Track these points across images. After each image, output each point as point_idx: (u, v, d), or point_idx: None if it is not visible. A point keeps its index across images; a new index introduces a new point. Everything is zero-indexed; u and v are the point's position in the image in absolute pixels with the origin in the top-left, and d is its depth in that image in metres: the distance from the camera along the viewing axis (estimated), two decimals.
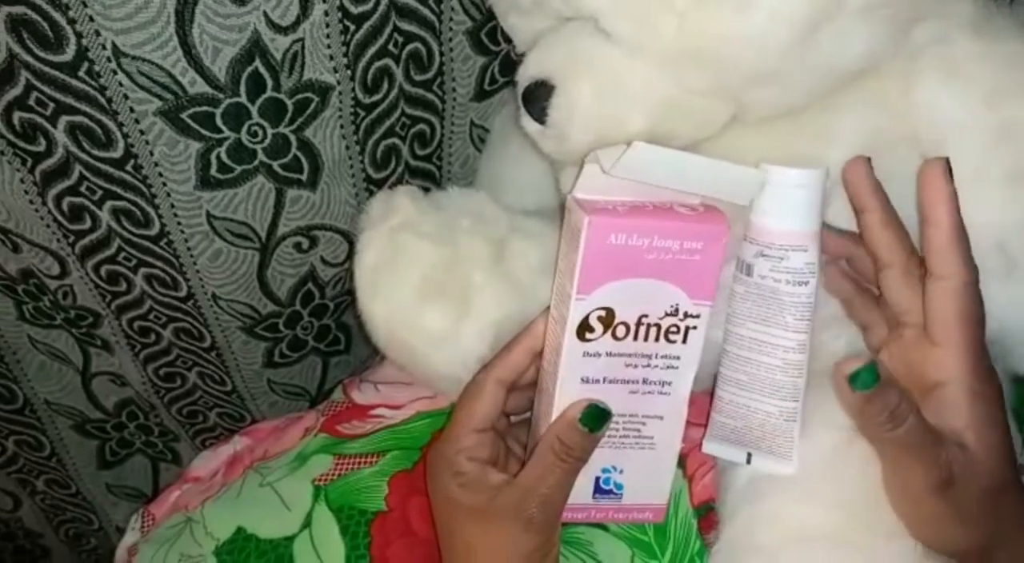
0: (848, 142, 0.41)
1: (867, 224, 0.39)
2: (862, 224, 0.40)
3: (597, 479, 0.43)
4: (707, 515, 0.46)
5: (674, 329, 0.40)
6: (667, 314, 0.39)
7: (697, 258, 0.38)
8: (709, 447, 0.44)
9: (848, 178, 0.40)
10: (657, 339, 0.40)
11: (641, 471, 0.43)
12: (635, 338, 0.40)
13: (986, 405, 0.37)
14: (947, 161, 0.38)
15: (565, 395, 0.41)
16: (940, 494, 0.37)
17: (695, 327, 0.40)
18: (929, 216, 0.38)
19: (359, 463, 0.52)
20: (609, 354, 0.40)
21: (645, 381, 0.41)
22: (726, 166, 0.38)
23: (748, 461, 0.42)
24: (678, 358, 0.40)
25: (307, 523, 0.50)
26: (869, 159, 0.39)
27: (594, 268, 0.38)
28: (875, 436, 0.38)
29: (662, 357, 0.40)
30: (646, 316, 0.39)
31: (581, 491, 0.42)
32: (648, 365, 0.40)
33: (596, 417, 0.40)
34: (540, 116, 0.42)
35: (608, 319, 0.39)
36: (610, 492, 0.44)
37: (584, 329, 0.39)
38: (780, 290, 0.39)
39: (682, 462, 0.48)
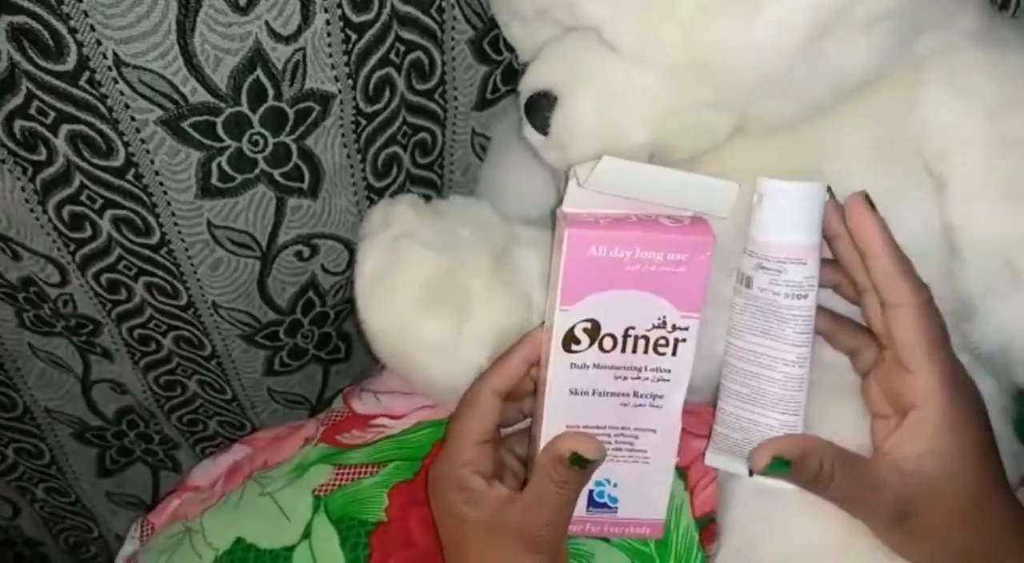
0: (851, 154, 0.41)
1: (840, 249, 0.39)
2: (835, 249, 0.40)
3: (591, 492, 0.43)
4: (709, 527, 0.46)
5: (663, 342, 0.39)
6: (655, 326, 0.39)
7: (682, 270, 0.38)
8: (712, 459, 0.44)
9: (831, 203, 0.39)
10: (646, 351, 0.40)
11: (636, 485, 0.43)
12: (623, 350, 0.40)
13: (955, 428, 0.37)
14: (865, 193, 0.38)
15: (554, 407, 0.41)
16: (898, 527, 0.38)
17: (684, 340, 0.39)
18: (866, 250, 0.38)
19: (359, 473, 0.52)
20: (597, 366, 0.40)
21: (636, 394, 0.41)
22: (699, 178, 0.39)
23: (750, 474, 0.42)
24: (669, 371, 0.40)
25: (307, 533, 0.50)
26: (827, 185, 0.39)
27: (576, 280, 0.38)
28: (817, 495, 0.39)
29: (652, 370, 0.40)
30: (633, 328, 0.39)
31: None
32: (638, 378, 0.40)
33: (584, 459, 0.39)
34: (543, 126, 0.42)
35: (594, 331, 0.39)
36: (604, 505, 0.43)
37: (570, 340, 0.39)
38: (779, 303, 0.39)
39: (684, 474, 0.47)
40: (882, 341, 0.39)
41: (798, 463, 0.37)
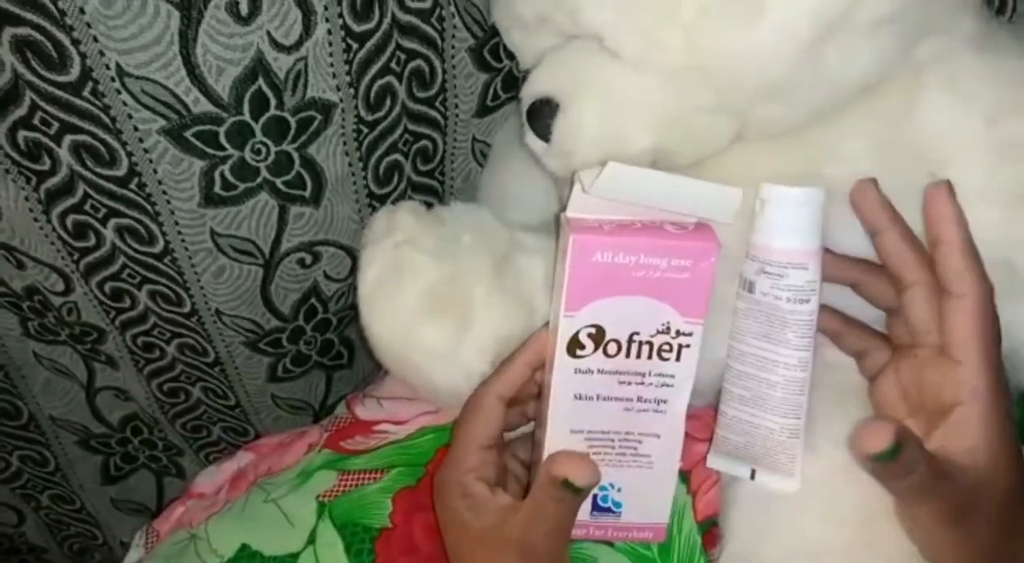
0: (852, 159, 0.41)
1: (886, 243, 0.39)
2: (880, 244, 0.39)
3: (595, 497, 0.43)
4: (711, 530, 0.46)
5: (667, 347, 0.40)
6: (659, 332, 0.39)
7: (686, 276, 0.38)
8: (714, 462, 0.44)
9: (856, 200, 0.39)
10: (650, 357, 0.40)
11: (640, 489, 0.43)
12: (627, 355, 0.40)
13: (999, 423, 0.37)
14: (949, 182, 0.37)
15: (559, 412, 0.41)
16: (952, 524, 0.37)
17: (688, 345, 0.40)
18: (939, 236, 0.37)
19: (363, 479, 0.52)
20: (601, 371, 0.40)
21: (640, 399, 0.41)
22: (703, 184, 0.39)
23: (752, 477, 0.42)
24: (672, 376, 0.40)
25: (311, 540, 0.50)
26: (875, 179, 0.39)
27: (581, 286, 0.39)
28: (890, 486, 0.37)
29: (656, 375, 0.40)
30: (637, 334, 0.39)
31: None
32: (642, 383, 0.40)
33: (575, 486, 0.39)
34: (545, 134, 0.43)
35: (598, 336, 0.39)
36: (608, 510, 0.44)
37: (575, 346, 0.40)
38: (781, 307, 0.39)
39: (686, 477, 0.47)
40: (919, 339, 0.39)
41: (907, 446, 0.34)
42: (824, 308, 0.41)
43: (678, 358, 0.40)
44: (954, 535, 0.37)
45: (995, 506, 0.37)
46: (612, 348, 0.40)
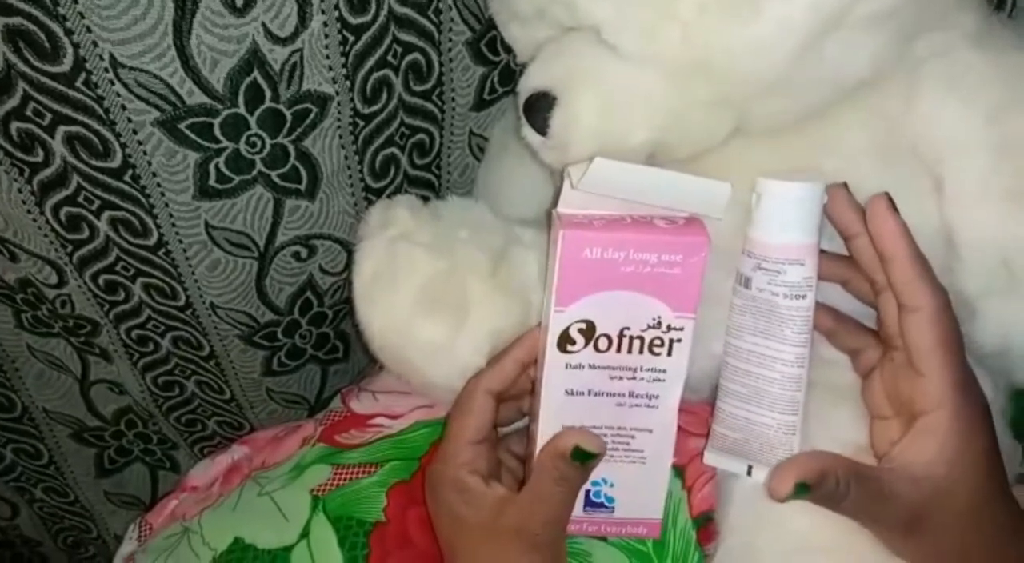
0: (851, 154, 0.41)
1: (859, 248, 0.39)
2: (854, 248, 0.40)
3: (587, 492, 0.43)
4: (706, 525, 0.46)
5: (658, 342, 0.40)
6: (649, 327, 0.39)
7: (677, 271, 0.38)
8: (710, 458, 0.44)
9: (830, 206, 0.39)
10: (641, 352, 0.40)
11: (633, 485, 0.43)
12: (618, 351, 0.40)
13: (962, 434, 0.37)
14: (888, 195, 0.38)
15: (550, 407, 0.41)
16: (908, 536, 0.38)
17: (679, 340, 0.40)
18: (885, 252, 0.38)
19: (358, 473, 0.52)
20: (592, 366, 0.40)
21: (631, 394, 0.41)
22: (693, 179, 0.39)
23: (749, 473, 0.42)
24: (664, 371, 0.40)
25: (305, 533, 0.50)
26: (845, 184, 0.39)
27: (571, 281, 0.38)
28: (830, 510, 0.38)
29: (648, 370, 0.40)
30: (628, 329, 0.39)
31: None
32: (633, 378, 0.40)
33: (586, 454, 0.39)
34: (542, 127, 0.42)
35: (589, 332, 0.39)
36: (601, 505, 0.44)
37: (565, 341, 0.40)
38: (778, 304, 0.39)
39: (681, 473, 0.47)
40: (892, 343, 0.39)
41: (816, 484, 0.36)
42: (818, 305, 0.41)
43: (669, 353, 0.40)
44: (914, 542, 0.38)
45: (953, 515, 0.37)
46: (603, 343, 0.40)
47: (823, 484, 0.36)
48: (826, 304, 0.42)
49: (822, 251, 0.40)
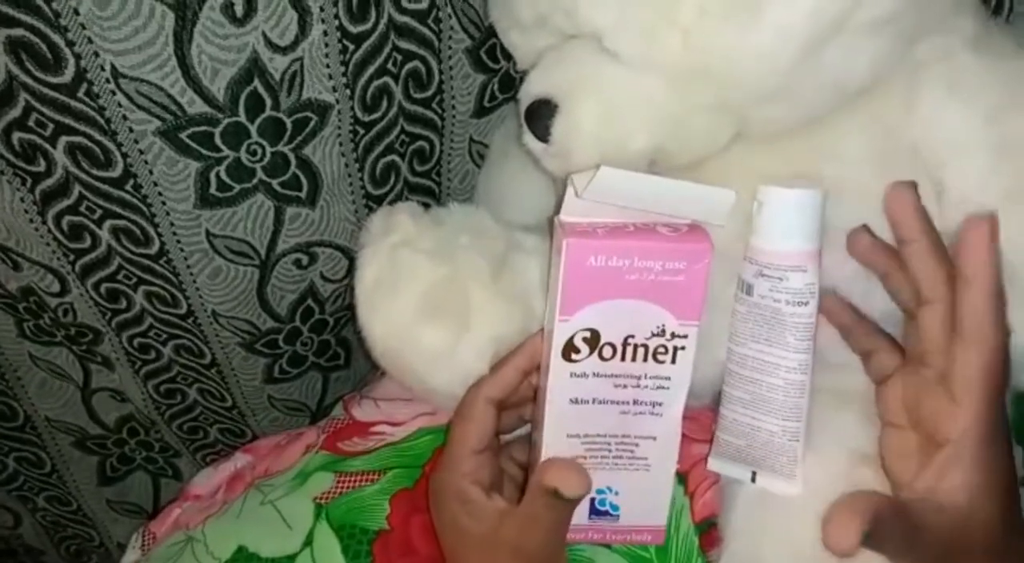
0: (852, 159, 0.41)
1: (913, 255, 0.38)
2: (908, 255, 0.38)
3: (592, 500, 0.43)
4: (709, 532, 0.46)
5: (662, 350, 0.40)
6: (653, 335, 0.39)
7: (680, 278, 0.38)
8: (714, 465, 0.44)
9: (891, 205, 0.39)
10: (645, 359, 0.40)
11: (637, 492, 0.43)
12: (623, 359, 0.40)
13: (985, 469, 0.37)
14: (995, 218, 0.36)
15: (554, 416, 0.41)
16: None
17: (683, 347, 0.40)
18: (969, 275, 0.36)
19: (360, 481, 0.52)
20: (596, 375, 0.40)
21: (636, 402, 0.41)
22: (696, 187, 0.39)
23: (753, 480, 0.42)
24: (668, 379, 0.40)
25: (308, 541, 0.50)
26: (914, 183, 0.38)
27: (575, 290, 0.38)
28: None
29: (652, 378, 0.40)
30: (632, 337, 0.39)
31: (577, 512, 0.42)
32: (638, 386, 0.40)
33: (565, 496, 0.39)
34: (543, 134, 0.42)
35: (594, 340, 0.39)
36: (606, 513, 0.44)
37: (570, 350, 0.40)
38: (781, 310, 0.39)
39: (684, 479, 0.47)
40: (926, 359, 0.38)
41: (875, 530, 0.34)
42: (838, 300, 0.41)
43: (673, 360, 0.40)
44: None
45: (976, 543, 0.37)
46: (607, 352, 0.40)
47: (880, 528, 0.34)
48: (848, 300, 0.42)
49: (869, 233, 0.39)
